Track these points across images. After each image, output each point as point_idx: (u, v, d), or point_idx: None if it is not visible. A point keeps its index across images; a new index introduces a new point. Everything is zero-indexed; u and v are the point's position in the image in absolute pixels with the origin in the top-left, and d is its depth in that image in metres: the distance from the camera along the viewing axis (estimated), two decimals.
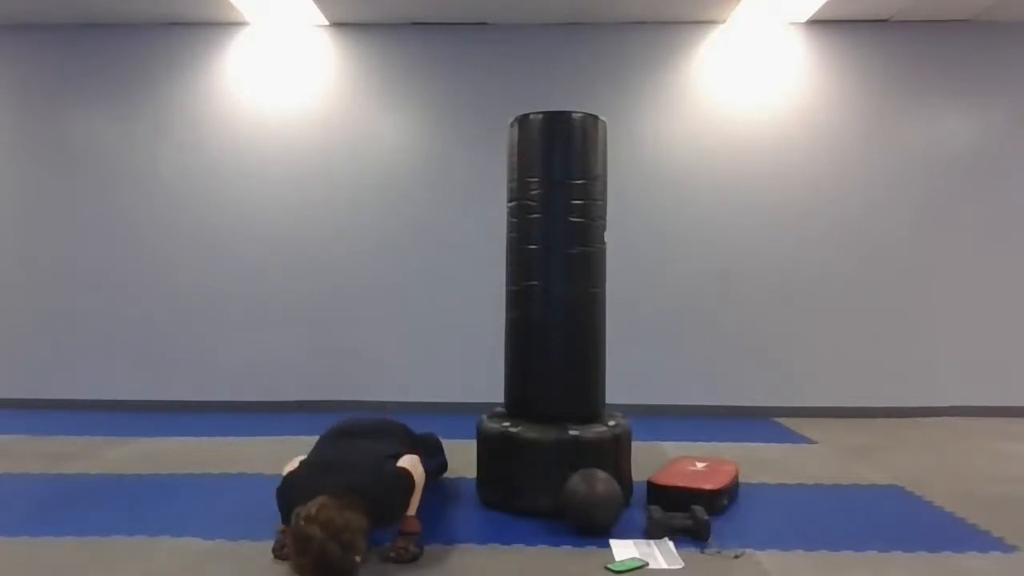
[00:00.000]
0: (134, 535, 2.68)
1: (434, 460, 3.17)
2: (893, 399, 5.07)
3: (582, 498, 2.69)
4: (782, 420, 4.95)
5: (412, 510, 2.52)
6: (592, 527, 2.68)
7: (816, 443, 4.29)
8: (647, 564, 2.43)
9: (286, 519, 2.30)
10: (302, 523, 2.13)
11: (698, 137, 5.14)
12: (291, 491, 2.38)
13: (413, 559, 2.43)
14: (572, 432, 2.89)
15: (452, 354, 5.15)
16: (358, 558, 2.16)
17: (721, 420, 4.93)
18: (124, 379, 5.22)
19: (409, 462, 2.59)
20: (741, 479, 3.28)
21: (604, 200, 3.13)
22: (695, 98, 5.15)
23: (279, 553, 2.46)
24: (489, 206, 4.65)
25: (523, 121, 3.08)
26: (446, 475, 3.35)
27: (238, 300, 5.22)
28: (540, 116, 3.04)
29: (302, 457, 2.68)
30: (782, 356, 5.12)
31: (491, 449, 3.04)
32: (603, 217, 3.13)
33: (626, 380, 4.54)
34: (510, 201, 3.14)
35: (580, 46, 5.15)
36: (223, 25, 5.21)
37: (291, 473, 2.53)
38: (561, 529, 2.72)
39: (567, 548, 2.59)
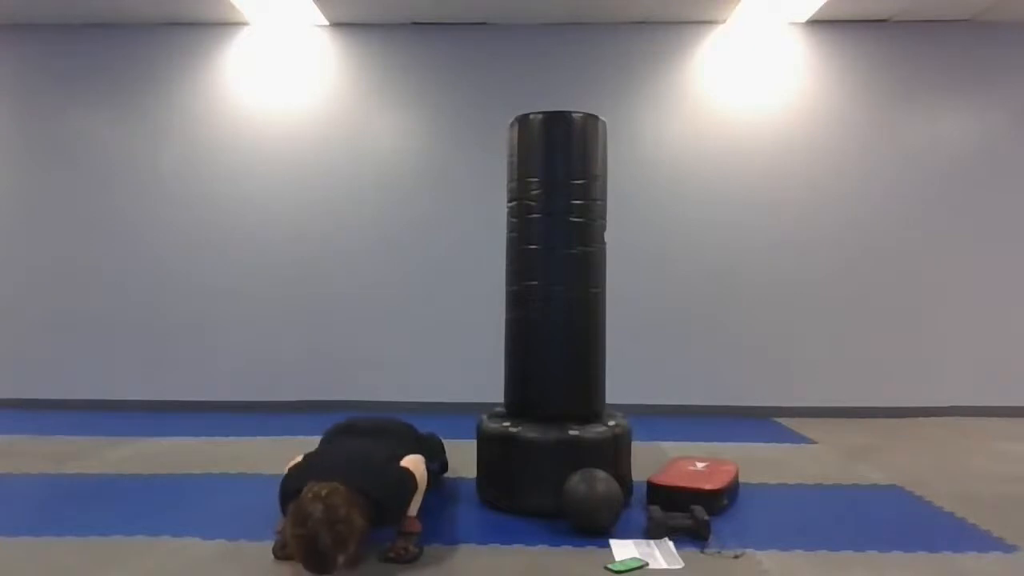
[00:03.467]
0: (134, 535, 2.68)
1: (435, 461, 3.18)
2: (893, 399, 5.07)
3: (582, 498, 2.69)
4: (782, 420, 4.95)
5: (413, 511, 2.52)
6: (592, 527, 2.68)
7: (816, 443, 4.29)
8: (647, 564, 2.43)
9: (286, 512, 2.30)
10: (309, 497, 2.16)
11: (698, 137, 5.14)
12: (294, 484, 2.38)
13: (413, 559, 2.43)
14: (572, 432, 2.89)
15: (452, 354, 5.15)
16: (342, 557, 2.15)
17: (721, 420, 4.93)
18: (124, 379, 5.22)
19: (412, 462, 2.59)
20: (741, 479, 3.28)
21: (604, 200, 3.13)
22: (695, 98, 5.15)
23: (279, 553, 2.46)
24: (489, 206, 4.65)
25: (523, 121, 3.07)
26: (446, 475, 3.35)
27: (238, 300, 5.22)
28: (540, 116, 3.04)
29: (308, 452, 2.69)
30: (782, 356, 5.12)
31: (491, 449, 3.04)
32: (603, 217, 3.13)
33: (626, 380, 4.54)
34: (510, 201, 3.14)
35: (580, 46, 5.15)
36: (223, 25, 5.21)
37: (294, 466, 2.53)
38: (561, 529, 2.72)
39: (567, 548, 2.59)
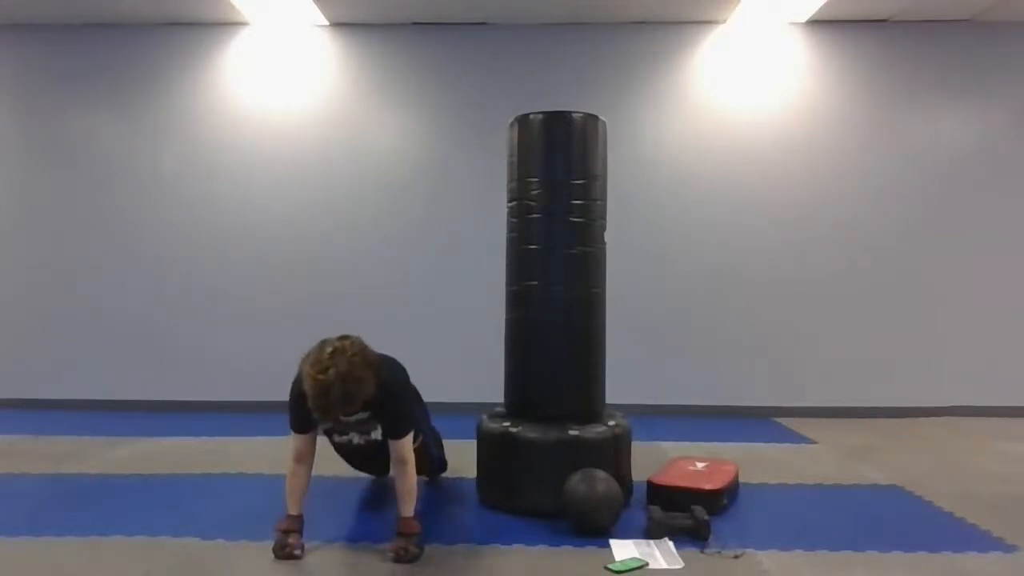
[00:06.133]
0: (134, 535, 2.68)
1: (436, 456, 3.19)
2: (893, 399, 5.07)
3: (582, 498, 2.69)
4: (782, 420, 4.95)
5: (409, 511, 2.51)
6: (592, 527, 2.68)
7: (816, 443, 4.29)
8: (647, 564, 2.43)
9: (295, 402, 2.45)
10: (337, 347, 2.32)
11: (698, 137, 5.13)
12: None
13: (413, 559, 2.43)
14: (572, 432, 2.89)
15: (452, 354, 5.14)
16: (342, 411, 2.36)
17: (721, 420, 4.93)
18: (124, 379, 5.22)
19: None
20: (741, 479, 3.28)
21: (604, 200, 3.13)
22: (695, 98, 5.14)
23: (279, 553, 2.46)
24: (489, 206, 4.64)
25: (523, 121, 3.07)
26: (446, 475, 3.35)
27: (238, 300, 5.22)
28: (540, 116, 3.04)
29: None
30: (782, 356, 5.12)
31: (491, 449, 3.04)
32: (603, 217, 3.13)
33: (626, 380, 4.53)
34: (510, 201, 3.14)
35: (580, 46, 5.14)
36: (223, 25, 5.20)
37: None
38: (561, 529, 2.72)
39: (567, 548, 2.58)
